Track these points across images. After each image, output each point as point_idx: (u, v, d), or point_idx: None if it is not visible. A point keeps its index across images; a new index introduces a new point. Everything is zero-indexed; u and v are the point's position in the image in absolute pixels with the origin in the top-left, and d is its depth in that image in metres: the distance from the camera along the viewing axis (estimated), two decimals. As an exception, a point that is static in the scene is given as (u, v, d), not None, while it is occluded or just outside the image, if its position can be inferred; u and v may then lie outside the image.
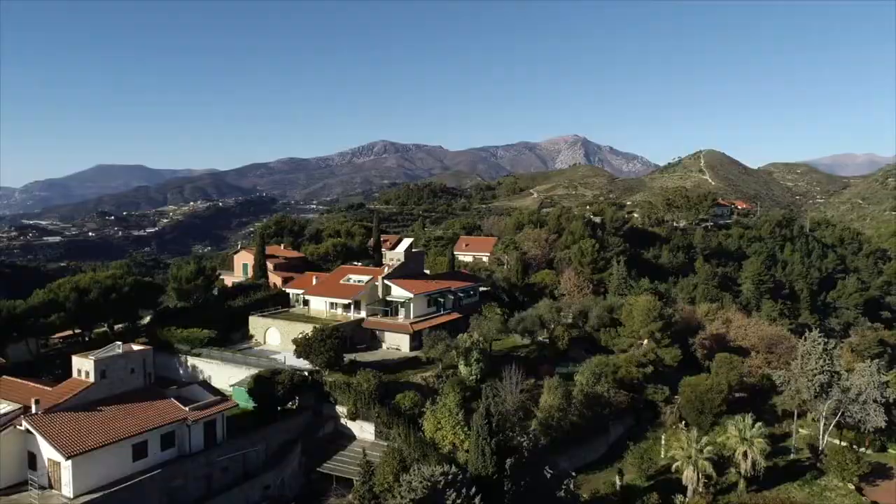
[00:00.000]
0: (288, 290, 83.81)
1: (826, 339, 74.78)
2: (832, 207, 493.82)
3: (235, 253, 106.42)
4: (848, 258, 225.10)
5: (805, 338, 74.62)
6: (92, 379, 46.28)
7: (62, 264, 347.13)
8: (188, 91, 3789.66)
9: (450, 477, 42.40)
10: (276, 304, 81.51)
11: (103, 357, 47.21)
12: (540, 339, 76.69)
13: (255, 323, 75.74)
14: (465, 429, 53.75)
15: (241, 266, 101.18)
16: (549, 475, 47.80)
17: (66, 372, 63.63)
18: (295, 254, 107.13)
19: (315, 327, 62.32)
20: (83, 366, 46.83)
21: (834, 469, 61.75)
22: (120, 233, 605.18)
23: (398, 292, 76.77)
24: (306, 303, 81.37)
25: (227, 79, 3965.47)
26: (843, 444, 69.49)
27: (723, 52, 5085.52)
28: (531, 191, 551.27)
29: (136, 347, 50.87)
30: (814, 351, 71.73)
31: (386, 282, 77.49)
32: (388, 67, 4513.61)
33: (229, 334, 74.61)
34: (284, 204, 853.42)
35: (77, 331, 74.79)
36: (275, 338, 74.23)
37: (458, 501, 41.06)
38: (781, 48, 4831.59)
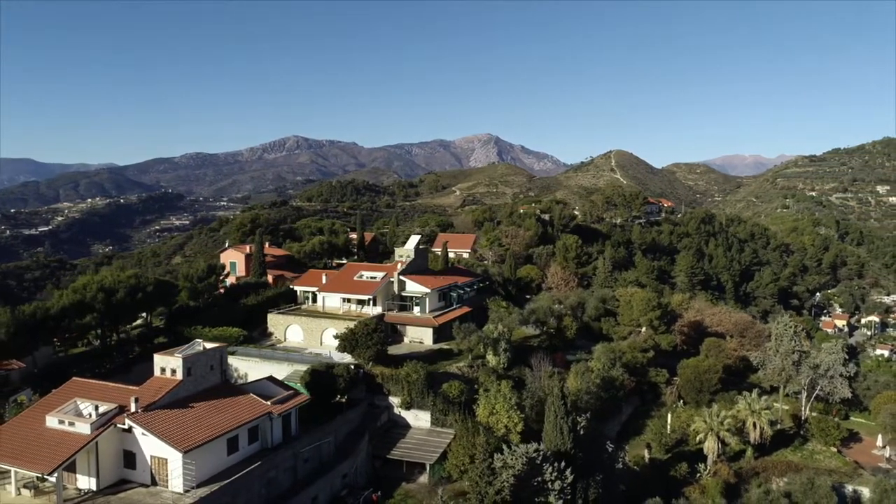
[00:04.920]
0: (296, 288, 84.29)
1: (795, 323, 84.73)
2: (729, 205, 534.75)
3: (222, 251, 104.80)
4: (759, 252, 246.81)
5: (777, 322, 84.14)
6: (179, 376, 46.56)
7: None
8: (82, 80, 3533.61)
9: (541, 453, 46.45)
10: (286, 302, 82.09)
11: (190, 355, 47.57)
12: (547, 329, 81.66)
13: (275, 320, 76.23)
14: (519, 413, 57.84)
15: (230, 265, 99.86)
16: (610, 448, 52.74)
17: (96, 375, 62.72)
18: (280, 252, 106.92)
19: (359, 322, 64.19)
20: (168, 364, 46.92)
21: (818, 436, 70.67)
22: (7, 231, 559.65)
23: (414, 287, 79.43)
24: (314, 299, 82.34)
25: (125, 69, 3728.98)
26: (815, 414, 79.01)
27: (624, 56, 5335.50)
28: (454, 189, 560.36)
29: (209, 345, 51.22)
30: (786, 333, 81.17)
31: (401, 277, 79.94)
32: (300, 61, 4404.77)
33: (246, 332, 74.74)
34: (193, 201, 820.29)
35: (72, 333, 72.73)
36: (296, 334, 75.12)
37: (554, 475, 45.18)
38: (677, 54, 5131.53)
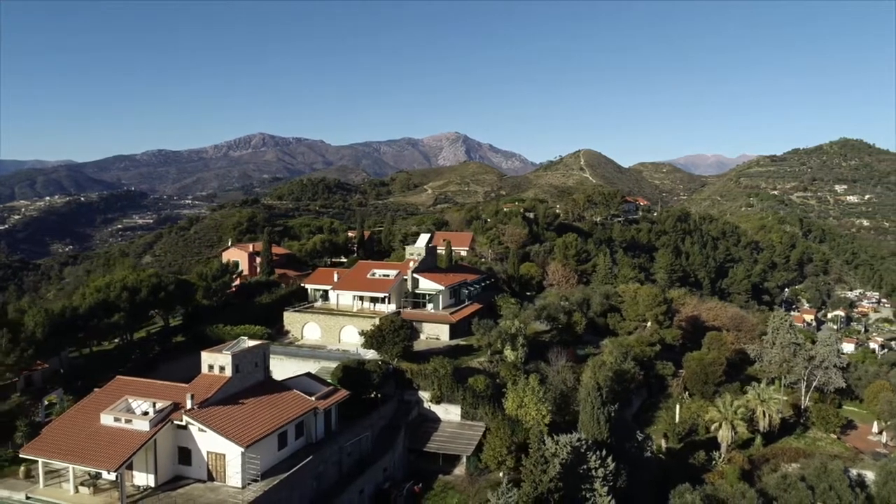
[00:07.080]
0: (307, 286, 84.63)
1: (790, 317, 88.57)
2: (695, 203, 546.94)
3: (224, 250, 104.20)
4: (732, 249, 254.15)
5: (773, 316, 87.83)
6: (228, 373, 46.97)
7: None
8: (37, 74, 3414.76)
9: (583, 442, 48.27)
10: (298, 300, 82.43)
11: (238, 352, 48.00)
12: (557, 324, 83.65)
13: (291, 318, 76.58)
14: (547, 405, 59.56)
15: (232, 263, 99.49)
16: (640, 437, 54.90)
17: (122, 374, 62.29)
18: (281, 250, 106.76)
19: (384, 318, 65.13)
20: (217, 361, 47.24)
21: (818, 424, 74.21)
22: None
23: (427, 285, 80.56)
24: (326, 297, 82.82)
25: (82, 62, 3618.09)
26: (811, 403, 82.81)
27: (591, 57, 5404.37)
28: (425, 187, 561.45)
29: (249, 343, 51.62)
30: (782, 326, 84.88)
31: (414, 275, 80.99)
32: (266, 57, 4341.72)
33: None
34: (156, 199, 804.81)
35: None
36: (314, 332, 75.65)
37: (598, 462, 47.06)
38: (642, 55, 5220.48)
